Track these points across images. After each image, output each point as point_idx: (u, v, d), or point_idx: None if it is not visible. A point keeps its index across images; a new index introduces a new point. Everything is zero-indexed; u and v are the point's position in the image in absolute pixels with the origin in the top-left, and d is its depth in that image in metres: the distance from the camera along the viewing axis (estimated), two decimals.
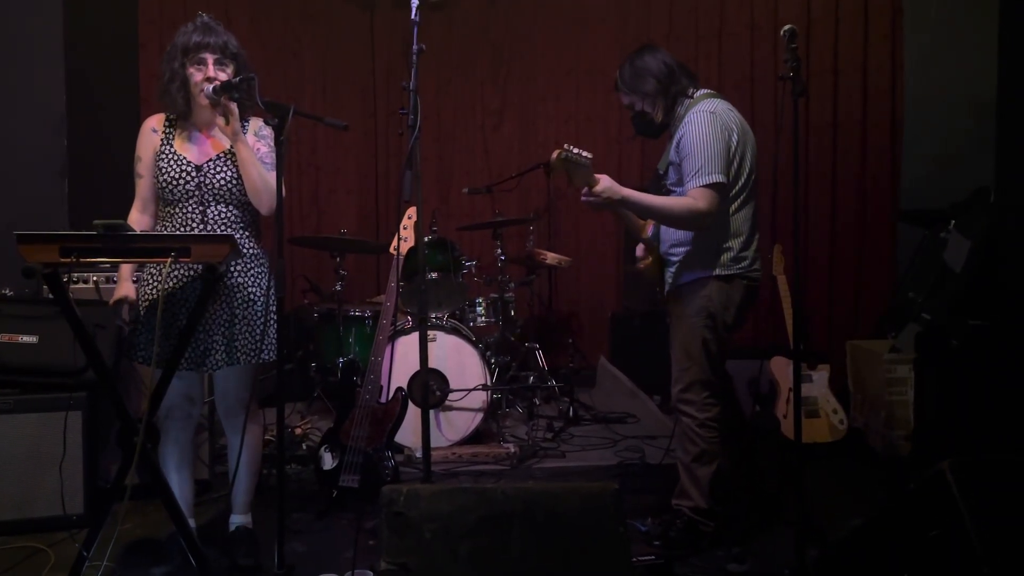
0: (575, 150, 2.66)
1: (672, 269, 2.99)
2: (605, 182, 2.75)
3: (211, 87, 2.58)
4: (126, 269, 2.82)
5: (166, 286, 2.64)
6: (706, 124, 2.78)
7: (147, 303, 2.70)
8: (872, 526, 2.40)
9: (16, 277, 3.05)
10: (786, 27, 2.55)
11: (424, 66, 2.54)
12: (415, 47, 2.50)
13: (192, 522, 2.79)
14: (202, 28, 2.66)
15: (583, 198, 2.78)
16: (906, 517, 2.28)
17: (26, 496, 3.11)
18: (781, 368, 4.18)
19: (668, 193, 2.95)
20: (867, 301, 5.23)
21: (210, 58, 2.64)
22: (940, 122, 5.02)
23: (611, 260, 5.99)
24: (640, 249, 3.20)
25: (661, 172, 3.03)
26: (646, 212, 2.90)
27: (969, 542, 2.04)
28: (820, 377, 4.20)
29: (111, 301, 2.79)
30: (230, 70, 2.67)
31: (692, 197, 2.75)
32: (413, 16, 2.51)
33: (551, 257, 5.09)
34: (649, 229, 3.11)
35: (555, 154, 2.68)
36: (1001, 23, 4.41)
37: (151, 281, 2.72)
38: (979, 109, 4.80)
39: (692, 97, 2.94)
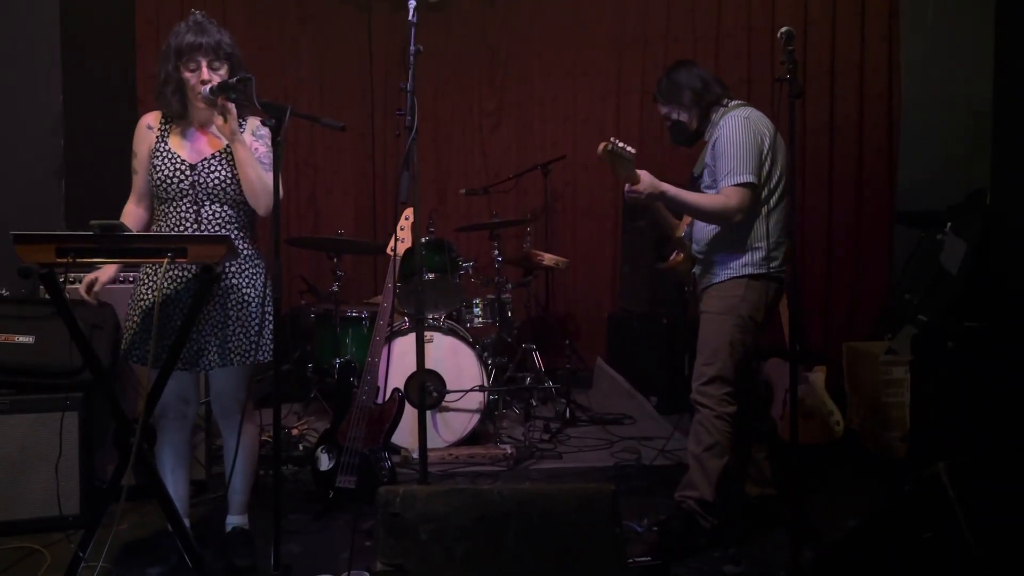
0: (620, 144, 2.76)
1: (704, 267, 3.10)
2: (647, 178, 2.86)
3: (208, 88, 2.57)
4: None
5: (162, 286, 2.63)
6: (740, 128, 2.92)
7: (143, 303, 2.70)
8: (868, 527, 2.40)
9: (12, 277, 3.05)
10: (783, 29, 2.57)
11: (422, 67, 2.54)
12: (413, 48, 2.50)
13: (188, 523, 2.78)
14: (195, 28, 2.64)
15: (627, 193, 2.89)
16: (902, 518, 2.28)
17: (22, 497, 3.10)
18: (777, 369, 4.18)
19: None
20: (863, 303, 5.24)
21: (203, 60, 2.62)
22: (937, 124, 5.03)
23: (608, 261, 5.99)
24: (673, 247, 3.33)
25: (696, 175, 3.15)
26: (682, 207, 3.01)
27: (964, 543, 2.05)
28: (816, 378, 4.20)
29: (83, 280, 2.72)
30: (224, 70, 2.65)
31: (725, 195, 2.89)
32: (411, 17, 2.51)
33: (548, 258, 5.09)
34: (683, 228, 3.24)
35: (601, 146, 2.77)
36: (998, 26, 4.41)
37: (147, 281, 2.71)
38: (976, 111, 4.80)
39: (727, 106, 3.07)
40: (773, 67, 5.34)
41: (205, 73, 2.62)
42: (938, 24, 5.05)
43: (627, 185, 2.87)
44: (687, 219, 3.23)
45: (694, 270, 3.18)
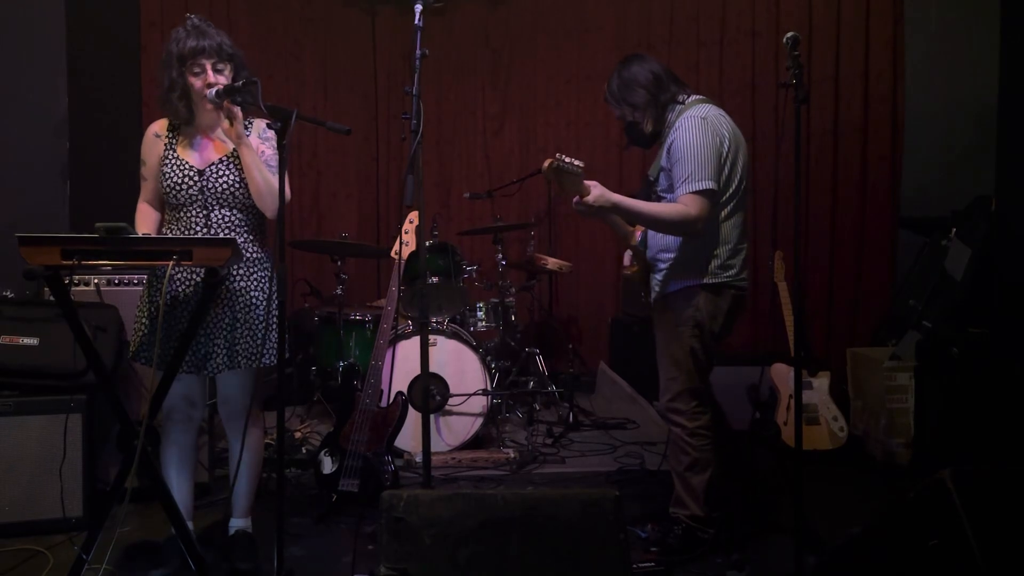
0: (567, 159, 2.64)
1: (659, 276, 2.97)
2: (596, 190, 2.72)
3: (214, 91, 2.57)
4: None
5: (168, 288, 2.63)
6: (697, 130, 2.76)
7: (151, 305, 2.70)
8: (871, 534, 2.39)
9: (17, 279, 3.06)
10: (789, 34, 2.54)
11: (425, 71, 2.54)
12: (418, 52, 2.50)
13: (191, 525, 2.78)
14: (194, 32, 2.63)
15: (574, 205, 2.76)
16: (905, 526, 2.27)
17: (25, 498, 3.10)
18: (781, 375, 4.18)
19: (658, 199, 2.94)
20: (867, 308, 5.23)
21: (207, 63, 2.62)
22: (941, 130, 5.03)
23: (611, 266, 5.99)
24: (627, 256, 3.20)
25: (652, 178, 3.01)
26: (636, 218, 2.88)
27: (969, 552, 2.04)
28: (820, 384, 4.20)
29: None
30: (228, 71, 2.66)
31: (683, 203, 2.73)
32: (416, 21, 2.51)
33: (551, 262, 5.09)
34: (637, 235, 3.10)
35: (547, 163, 2.66)
36: (1002, 31, 4.41)
37: (155, 283, 2.72)
38: (980, 117, 4.80)
39: (683, 103, 2.92)
40: (777, 72, 5.34)
41: (211, 76, 2.62)
42: (943, 30, 5.05)
43: (575, 198, 2.72)
44: (640, 226, 3.08)
45: (650, 279, 3.04)
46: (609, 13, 5.88)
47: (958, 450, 3.39)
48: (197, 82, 2.63)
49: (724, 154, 2.80)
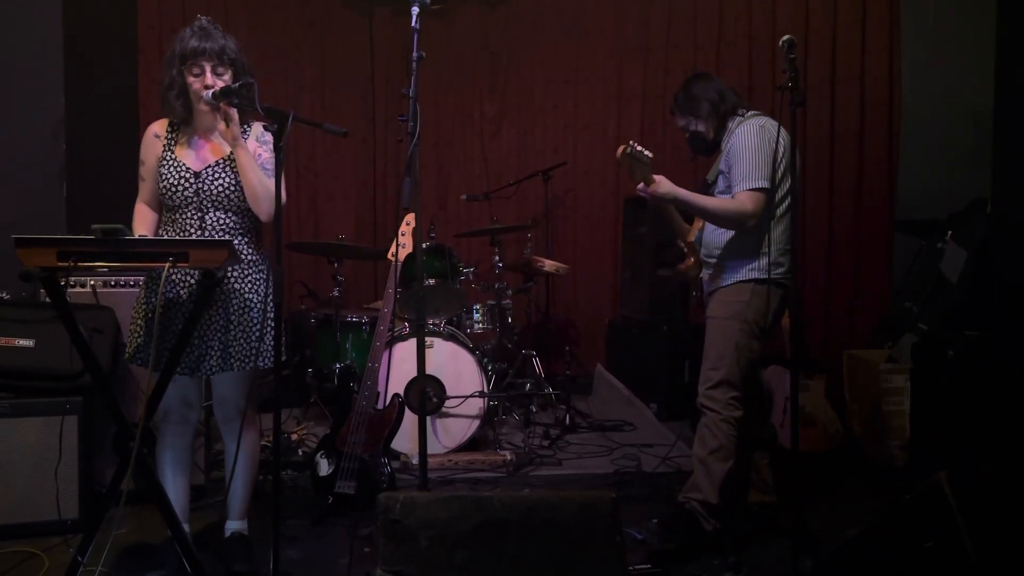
0: (639, 148, 2.84)
1: (711, 272, 3.14)
2: (663, 181, 2.93)
3: (210, 92, 2.57)
4: None
5: (165, 290, 2.63)
6: (754, 135, 2.98)
7: (147, 307, 2.70)
8: (867, 536, 2.39)
9: (13, 281, 3.04)
10: (785, 37, 2.57)
11: (423, 73, 2.54)
12: (415, 54, 2.50)
13: (187, 527, 2.77)
14: (199, 33, 2.64)
15: (639, 191, 2.95)
16: (902, 528, 2.28)
17: (21, 500, 3.09)
18: (778, 377, 4.18)
19: None
20: (864, 311, 5.24)
21: (207, 65, 2.63)
22: (937, 133, 5.04)
23: (609, 268, 6.00)
24: (683, 251, 3.39)
25: (710, 181, 3.19)
26: (697, 211, 3.08)
27: (965, 554, 2.04)
28: (817, 386, 4.20)
29: None
30: (228, 75, 2.66)
31: (739, 200, 2.94)
32: (414, 23, 2.51)
33: (549, 264, 5.10)
34: (694, 233, 3.29)
35: (620, 149, 2.86)
36: (998, 35, 4.42)
37: (151, 285, 2.71)
38: (976, 120, 4.80)
39: (743, 116, 3.12)
40: (774, 75, 5.36)
41: (209, 78, 2.62)
42: (939, 33, 5.06)
43: (641, 185, 2.93)
44: (698, 223, 3.27)
45: (702, 275, 3.23)
46: (607, 16, 5.90)
47: (954, 452, 3.39)
48: (195, 83, 2.63)
49: (779, 159, 2.99)
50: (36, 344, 3.19)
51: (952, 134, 4.97)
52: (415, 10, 2.49)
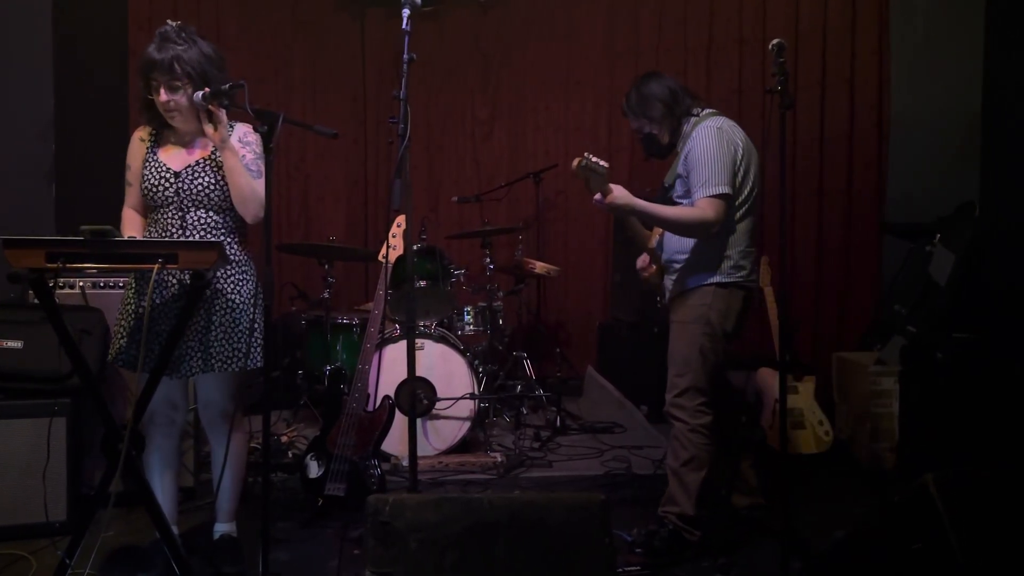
0: (594, 159, 2.78)
1: (673, 277, 3.08)
2: (619, 191, 2.85)
3: (200, 94, 2.56)
4: None
5: (151, 292, 2.62)
6: (713, 138, 2.90)
7: (132, 308, 2.69)
8: (856, 538, 2.41)
9: (1, 282, 3.03)
10: (774, 41, 2.58)
11: (415, 75, 2.55)
12: (406, 56, 2.50)
13: (176, 530, 2.77)
14: (157, 42, 2.60)
15: (596, 202, 2.88)
16: (890, 529, 2.29)
17: (8, 503, 3.08)
18: (768, 379, 4.20)
19: (674, 204, 3.04)
20: (853, 313, 5.26)
21: (161, 79, 2.58)
22: (926, 136, 5.06)
23: (599, 270, 6.00)
24: (644, 259, 3.30)
25: (668, 185, 3.12)
26: (655, 221, 3.02)
27: (952, 555, 2.05)
28: (806, 389, 4.21)
29: None
30: (187, 88, 2.59)
31: (700, 207, 2.86)
32: (404, 25, 2.51)
33: (540, 266, 5.10)
34: (654, 240, 3.22)
35: (576, 161, 2.80)
36: (986, 39, 4.46)
37: (136, 286, 2.70)
38: (965, 123, 4.84)
39: (698, 115, 3.05)
40: (764, 79, 5.37)
41: (163, 95, 2.59)
42: (928, 38, 5.09)
43: (598, 196, 2.86)
44: (658, 229, 3.20)
45: (664, 281, 3.16)
46: (598, 19, 5.91)
47: (943, 454, 3.41)
48: (157, 97, 2.61)
49: (738, 162, 2.93)
50: (24, 345, 3.17)
51: (941, 138, 4.99)
52: (406, 12, 2.49)
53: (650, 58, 5.75)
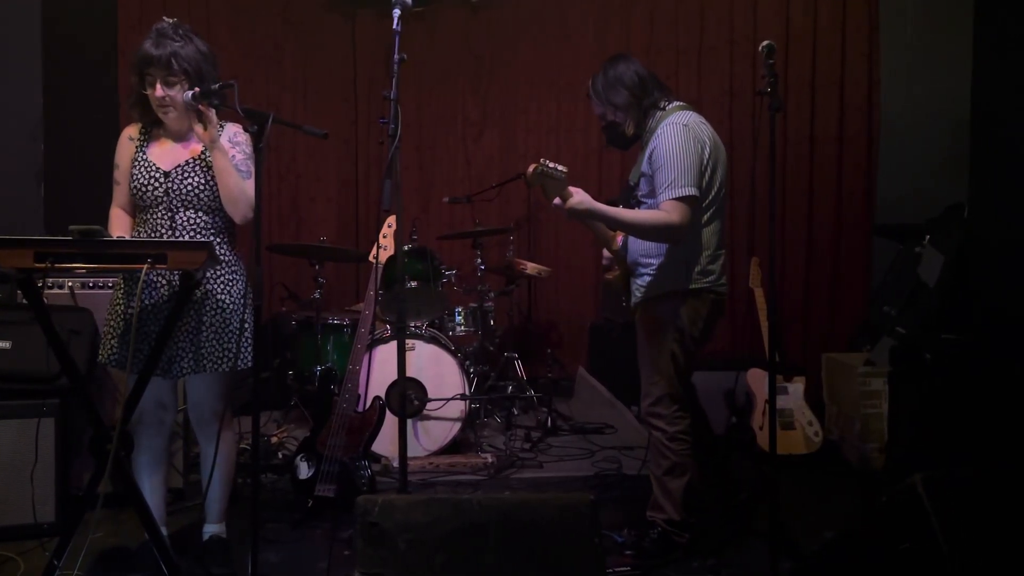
0: (551, 164, 2.67)
1: (640, 281, 2.97)
2: (578, 195, 2.74)
3: (190, 93, 2.55)
4: None
5: (140, 292, 2.61)
6: (679, 136, 2.77)
7: (121, 308, 2.68)
8: (845, 538, 2.42)
9: None
10: (764, 43, 2.57)
11: (406, 75, 2.54)
12: (396, 56, 2.50)
13: (165, 531, 2.76)
14: (153, 39, 2.60)
15: (555, 207, 2.77)
16: (879, 530, 2.30)
17: None
18: (757, 380, 4.21)
19: (639, 204, 2.95)
20: (843, 314, 5.27)
21: (157, 75, 2.58)
22: (915, 138, 5.08)
23: (591, 271, 6.01)
24: (608, 259, 3.20)
25: (632, 183, 3.01)
26: (618, 225, 2.91)
27: (940, 556, 2.06)
28: (796, 389, 4.22)
29: None
30: (183, 83, 2.59)
31: (665, 210, 2.73)
32: (395, 25, 2.50)
33: (531, 267, 5.10)
34: (619, 240, 3.11)
35: (531, 168, 2.69)
36: (975, 41, 4.48)
37: (125, 287, 2.69)
38: (954, 126, 4.85)
39: (664, 109, 2.92)
40: (755, 80, 5.38)
41: (159, 91, 2.59)
42: (917, 40, 5.11)
43: (557, 201, 2.73)
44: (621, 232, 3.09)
45: (631, 283, 3.05)
46: (590, 20, 5.91)
47: (931, 455, 3.42)
48: (152, 92, 2.61)
49: (705, 161, 2.81)
50: (13, 346, 3.16)
51: (930, 140, 5.01)
52: (397, 12, 2.49)
53: (641, 59, 5.62)
